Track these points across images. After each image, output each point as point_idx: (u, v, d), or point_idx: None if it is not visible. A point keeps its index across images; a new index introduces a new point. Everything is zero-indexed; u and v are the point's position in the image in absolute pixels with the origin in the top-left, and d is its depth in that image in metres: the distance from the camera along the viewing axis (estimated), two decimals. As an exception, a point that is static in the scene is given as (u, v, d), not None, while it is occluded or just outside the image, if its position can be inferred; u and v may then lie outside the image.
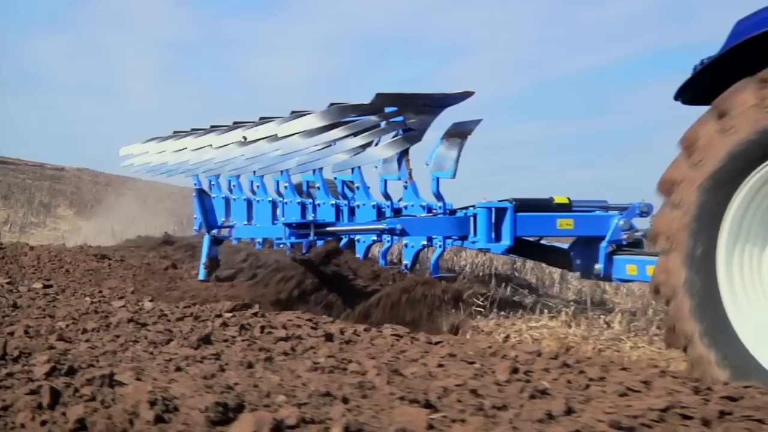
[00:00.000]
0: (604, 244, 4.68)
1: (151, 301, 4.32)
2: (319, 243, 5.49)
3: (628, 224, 4.69)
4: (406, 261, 5.09)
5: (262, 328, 3.55)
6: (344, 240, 6.15)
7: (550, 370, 2.92)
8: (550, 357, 3.15)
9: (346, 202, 6.11)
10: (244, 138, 5.79)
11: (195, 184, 9.33)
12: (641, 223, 4.85)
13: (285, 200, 7.05)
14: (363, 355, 3.05)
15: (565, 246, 5.05)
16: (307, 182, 7.08)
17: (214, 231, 5.54)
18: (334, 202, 6.18)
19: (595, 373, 2.88)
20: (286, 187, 7.06)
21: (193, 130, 8.04)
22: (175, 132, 8.66)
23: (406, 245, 5.11)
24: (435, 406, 2.26)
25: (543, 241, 5.16)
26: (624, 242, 4.68)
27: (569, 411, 2.22)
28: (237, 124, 6.82)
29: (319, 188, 6.43)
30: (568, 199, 4.90)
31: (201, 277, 5.45)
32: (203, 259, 5.49)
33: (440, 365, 2.91)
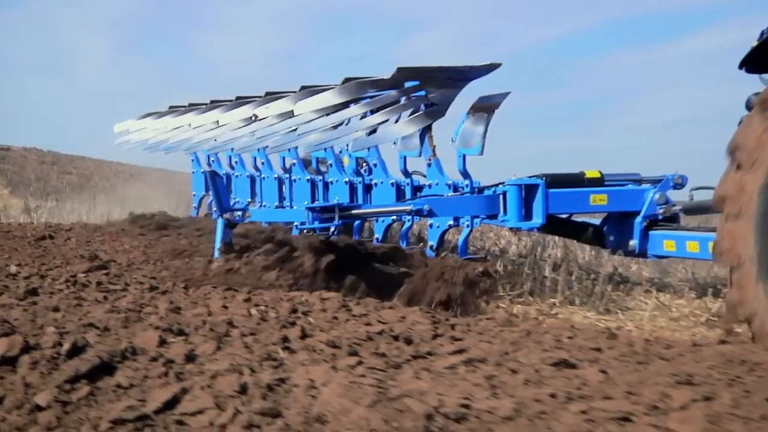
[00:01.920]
0: (639, 219, 4.55)
1: (17, 265, 4.64)
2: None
3: (663, 198, 4.54)
4: (432, 242, 4.89)
5: (99, 283, 3.86)
6: (358, 221, 5.96)
7: (327, 310, 3.28)
8: (337, 301, 3.49)
9: (360, 179, 5.89)
10: (255, 116, 5.52)
11: (193, 161, 9.07)
12: (676, 196, 4.70)
13: (293, 177, 6.82)
14: (165, 300, 3.34)
15: (597, 222, 4.89)
16: (317, 159, 6.83)
17: (228, 214, 5.29)
18: (348, 179, 5.95)
19: (362, 311, 3.29)
20: (294, 164, 6.82)
21: (191, 105, 7.74)
22: (171, 107, 8.35)
23: (431, 225, 4.90)
24: (185, 332, 2.59)
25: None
26: (660, 217, 4.53)
27: (304, 336, 2.63)
28: (240, 99, 6.55)
29: (331, 165, 6.19)
30: (600, 173, 4.73)
31: (217, 263, 5.21)
32: (217, 244, 5.25)
33: (224, 306, 3.25)
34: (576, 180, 4.66)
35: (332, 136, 5.16)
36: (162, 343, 2.40)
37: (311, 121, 5.18)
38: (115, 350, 2.23)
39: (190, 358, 2.27)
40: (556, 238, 6.34)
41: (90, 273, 4.37)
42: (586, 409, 1.86)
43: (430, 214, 4.56)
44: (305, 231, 4.56)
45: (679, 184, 4.66)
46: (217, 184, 5.20)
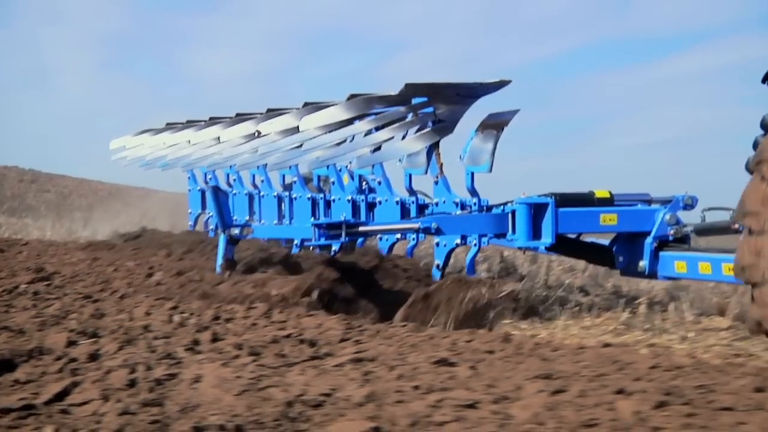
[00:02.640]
0: (649, 239, 4.47)
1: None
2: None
3: (674, 218, 4.48)
4: (438, 261, 4.79)
5: (36, 293, 4.16)
6: (361, 238, 5.85)
7: (249, 317, 3.46)
8: (261, 310, 3.64)
9: (363, 197, 5.80)
10: (258, 132, 5.44)
11: (189, 178, 8.97)
12: (686, 217, 4.64)
13: (294, 195, 6.72)
14: (92, 309, 3.56)
15: (605, 242, 4.83)
16: (318, 176, 6.75)
17: (230, 230, 5.20)
18: (350, 197, 5.87)
19: (282, 318, 3.47)
20: (294, 182, 6.72)
21: (189, 122, 7.66)
22: (168, 124, 8.27)
23: (437, 244, 4.81)
24: (98, 335, 2.83)
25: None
26: (670, 237, 4.47)
27: (215, 339, 2.83)
28: (240, 116, 6.47)
29: (333, 183, 6.10)
30: (610, 192, 4.67)
31: (217, 281, 5.10)
32: (219, 260, 5.16)
33: (148, 313, 3.48)
34: (585, 199, 4.59)
35: (336, 153, 5.09)
36: (70, 344, 2.62)
37: (315, 137, 5.11)
38: (21, 350, 2.45)
39: (94, 357, 2.46)
40: (504, 252, 6.64)
41: (32, 284, 4.52)
42: (441, 398, 2.08)
43: (438, 232, 4.50)
44: (311, 248, 4.50)
45: (689, 205, 4.60)
46: (221, 200, 5.11)
